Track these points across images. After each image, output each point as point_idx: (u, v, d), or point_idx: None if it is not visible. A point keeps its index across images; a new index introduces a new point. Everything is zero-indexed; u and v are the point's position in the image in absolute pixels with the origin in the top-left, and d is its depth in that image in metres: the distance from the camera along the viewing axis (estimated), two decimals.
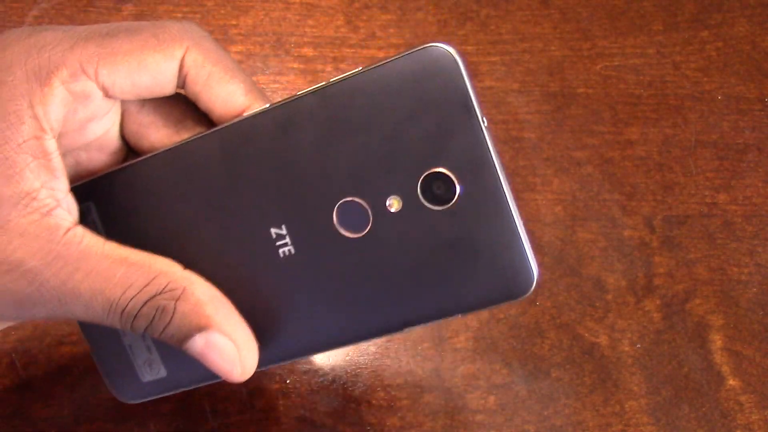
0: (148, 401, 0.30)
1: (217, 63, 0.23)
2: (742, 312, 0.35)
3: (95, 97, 0.22)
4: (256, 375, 0.32)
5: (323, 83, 0.23)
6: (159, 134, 0.25)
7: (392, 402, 0.32)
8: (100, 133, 0.24)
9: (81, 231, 0.22)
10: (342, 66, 0.40)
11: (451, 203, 0.22)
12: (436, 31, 0.41)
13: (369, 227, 0.23)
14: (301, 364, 0.33)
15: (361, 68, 0.22)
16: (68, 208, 0.22)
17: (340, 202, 0.23)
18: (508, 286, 0.22)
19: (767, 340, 0.35)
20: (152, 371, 0.25)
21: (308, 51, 0.40)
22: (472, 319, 0.34)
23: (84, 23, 0.40)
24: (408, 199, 0.23)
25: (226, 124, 0.23)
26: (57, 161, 0.22)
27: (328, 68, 0.40)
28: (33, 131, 0.21)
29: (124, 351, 0.25)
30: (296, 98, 0.23)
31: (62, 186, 0.22)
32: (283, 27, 0.41)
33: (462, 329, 0.34)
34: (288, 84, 0.39)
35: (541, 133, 0.39)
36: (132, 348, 0.24)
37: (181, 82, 0.23)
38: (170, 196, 0.24)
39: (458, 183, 0.22)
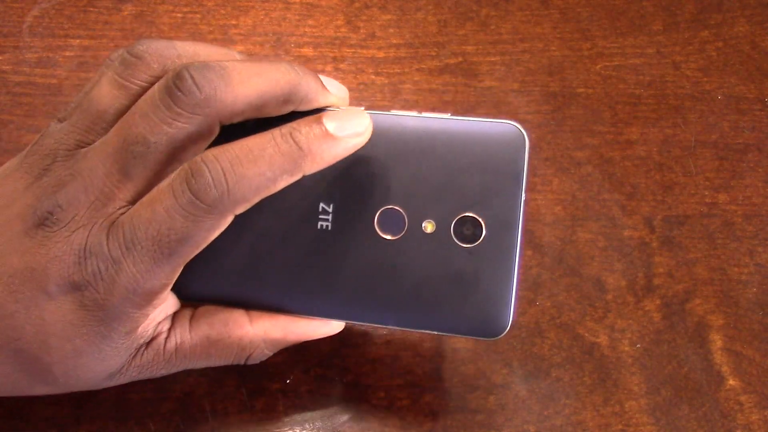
0: (149, 400, 0.31)
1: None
2: (742, 312, 0.35)
3: None
4: (256, 375, 0.32)
5: (417, 113, 0.26)
6: None
7: (392, 402, 0.32)
8: None
9: (172, 338, 0.27)
10: (342, 66, 0.40)
11: (472, 245, 0.26)
12: (436, 31, 0.41)
13: (400, 236, 0.26)
14: (299, 364, 0.33)
15: (450, 114, 0.26)
16: (159, 316, 0.26)
17: (387, 206, 0.26)
18: (484, 326, 0.26)
19: (767, 340, 0.35)
20: None
21: (308, 51, 0.40)
22: None
23: (84, 23, 0.40)
24: (441, 227, 0.26)
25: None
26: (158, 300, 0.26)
27: (328, 68, 0.40)
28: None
29: None
30: (394, 114, 0.27)
31: (159, 310, 0.26)
32: (283, 27, 0.41)
33: None
34: None
35: (541, 133, 0.39)
36: None
37: None
38: None
39: (485, 232, 0.26)
